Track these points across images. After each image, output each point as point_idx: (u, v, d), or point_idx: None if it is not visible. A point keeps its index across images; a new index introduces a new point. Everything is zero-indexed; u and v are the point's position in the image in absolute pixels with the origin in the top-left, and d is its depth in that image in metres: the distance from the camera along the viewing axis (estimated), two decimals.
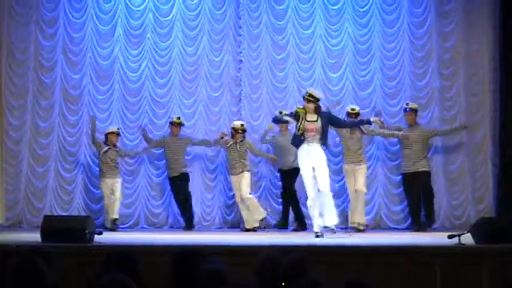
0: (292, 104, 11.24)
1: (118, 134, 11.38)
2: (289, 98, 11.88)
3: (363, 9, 12.13)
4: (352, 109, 11.12)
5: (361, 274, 7.11)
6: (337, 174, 11.74)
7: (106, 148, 11.25)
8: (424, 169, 11.27)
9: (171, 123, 11.51)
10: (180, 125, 11.51)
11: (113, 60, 12.00)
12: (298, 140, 9.37)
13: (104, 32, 12.05)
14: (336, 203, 9.77)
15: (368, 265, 7.20)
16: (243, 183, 11.11)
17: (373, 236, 10.24)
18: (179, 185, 11.45)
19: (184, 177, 11.48)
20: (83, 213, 11.42)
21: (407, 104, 11.43)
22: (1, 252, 6.50)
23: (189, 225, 11.35)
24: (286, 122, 10.07)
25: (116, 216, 11.09)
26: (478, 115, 11.98)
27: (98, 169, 11.55)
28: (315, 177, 9.26)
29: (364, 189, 11.06)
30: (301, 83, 11.90)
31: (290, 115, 9.51)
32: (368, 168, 11.40)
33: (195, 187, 11.82)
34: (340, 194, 11.50)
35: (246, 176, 11.18)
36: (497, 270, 7.23)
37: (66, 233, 7.90)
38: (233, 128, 11.28)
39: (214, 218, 11.83)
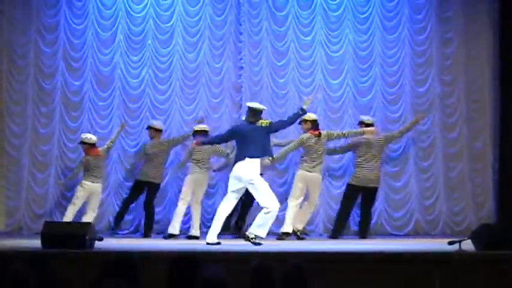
0: (293, 109, 11.16)
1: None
2: (289, 105, 11.88)
3: (363, 16, 12.14)
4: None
5: (361, 281, 7.11)
6: (337, 180, 11.80)
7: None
8: None
9: (150, 128, 11.40)
10: (160, 131, 11.44)
11: (113, 67, 12.02)
12: None
13: (105, 39, 12.06)
14: None
15: (368, 272, 7.18)
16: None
17: (373, 242, 10.24)
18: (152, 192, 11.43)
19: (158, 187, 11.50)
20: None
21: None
22: (1, 258, 6.50)
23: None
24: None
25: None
26: (479, 121, 12.00)
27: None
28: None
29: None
30: (301, 90, 11.90)
31: None
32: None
33: None
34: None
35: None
36: (497, 276, 7.23)
37: (67, 239, 7.88)
38: None
39: None
